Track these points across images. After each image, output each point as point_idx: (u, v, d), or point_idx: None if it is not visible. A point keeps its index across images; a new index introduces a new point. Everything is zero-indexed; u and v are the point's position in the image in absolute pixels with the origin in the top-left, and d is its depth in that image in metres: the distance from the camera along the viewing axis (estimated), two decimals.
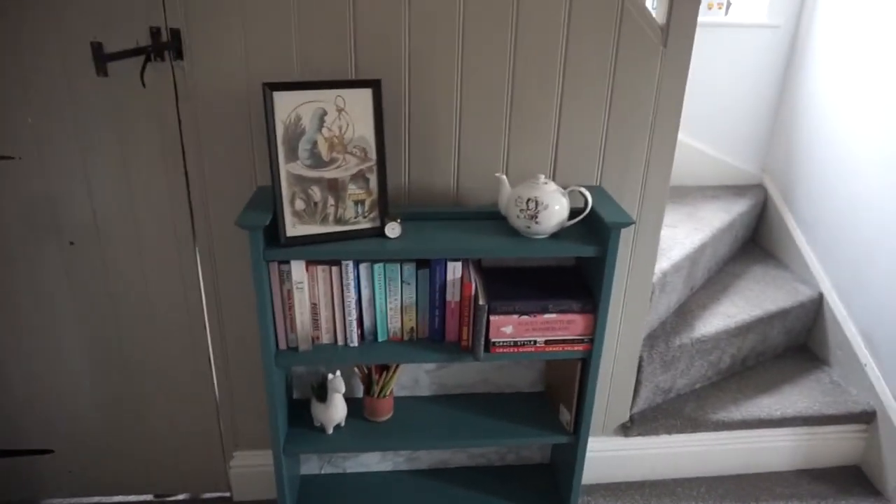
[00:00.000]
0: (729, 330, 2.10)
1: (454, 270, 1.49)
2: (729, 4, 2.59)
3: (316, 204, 1.40)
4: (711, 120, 2.66)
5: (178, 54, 1.41)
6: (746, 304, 2.23)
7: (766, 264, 2.56)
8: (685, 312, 2.16)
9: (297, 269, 1.43)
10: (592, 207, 1.47)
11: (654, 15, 1.53)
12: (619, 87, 1.56)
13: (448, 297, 1.52)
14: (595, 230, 1.51)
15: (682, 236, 2.20)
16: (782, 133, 2.63)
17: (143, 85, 1.40)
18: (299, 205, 1.39)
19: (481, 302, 1.47)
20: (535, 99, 1.55)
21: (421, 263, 1.49)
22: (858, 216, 2.16)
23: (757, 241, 2.77)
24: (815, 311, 2.36)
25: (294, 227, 1.39)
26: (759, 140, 2.72)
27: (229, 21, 1.40)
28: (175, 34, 1.40)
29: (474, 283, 1.50)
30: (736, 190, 2.70)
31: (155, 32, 1.39)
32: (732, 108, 2.66)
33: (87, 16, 1.38)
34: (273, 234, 1.39)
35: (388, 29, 1.44)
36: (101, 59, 1.37)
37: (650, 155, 1.64)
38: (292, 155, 1.36)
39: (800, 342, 2.43)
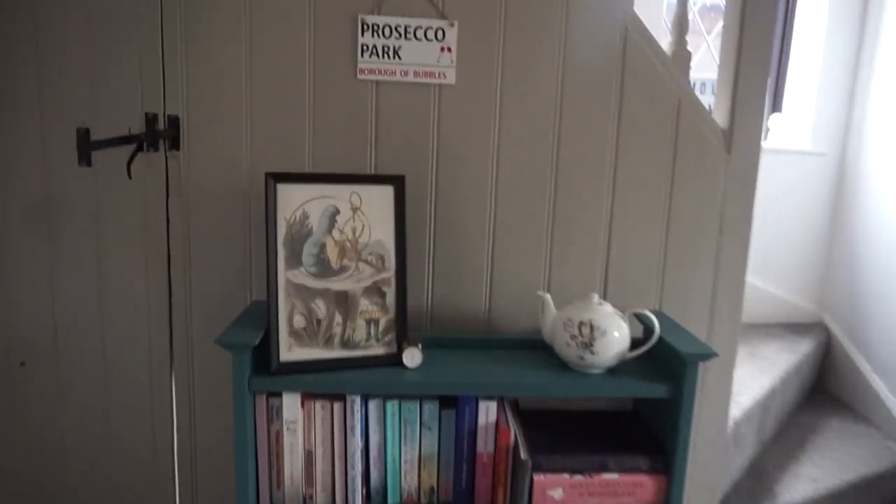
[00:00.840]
0: (819, 499, 1.69)
1: (487, 412, 1.18)
2: (767, 130, 2.48)
3: (319, 321, 1.13)
4: (761, 252, 2.43)
5: (175, 143, 1.23)
6: (833, 464, 1.84)
7: (842, 416, 2.19)
8: (760, 473, 1.78)
9: (291, 403, 1.13)
10: (661, 336, 1.19)
11: (714, 118, 1.35)
12: (679, 197, 1.34)
13: (479, 448, 1.19)
14: (663, 364, 1.21)
15: (748, 379, 1.87)
16: (841, 267, 2.38)
17: (130, 176, 1.20)
18: (299, 322, 1.12)
19: (523, 456, 1.13)
20: (582, 207, 1.33)
21: (446, 402, 1.19)
22: None
23: (824, 387, 2.42)
24: None
25: (290, 350, 1.11)
26: (815, 274, 2.47)
27: (236, 109, 1.23)
28: (173, 122, 1.22)
29: (513, 430, 1.18)
30: (794, 328, 2.41)
31: (151, 119, 1.22)
32: (783, 240, 2.44)
33: (76, 97, 1.22)
34: (264, 359, 1.10)
35: (415, 123, 1.27)
36: (87, 146, 1.19)
37: (718, 275, 1.38)
38: (295, 260, 1.11)
39: None
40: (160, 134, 1.22)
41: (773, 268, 2.47)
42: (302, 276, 1.12)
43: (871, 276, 2.21)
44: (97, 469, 1.37)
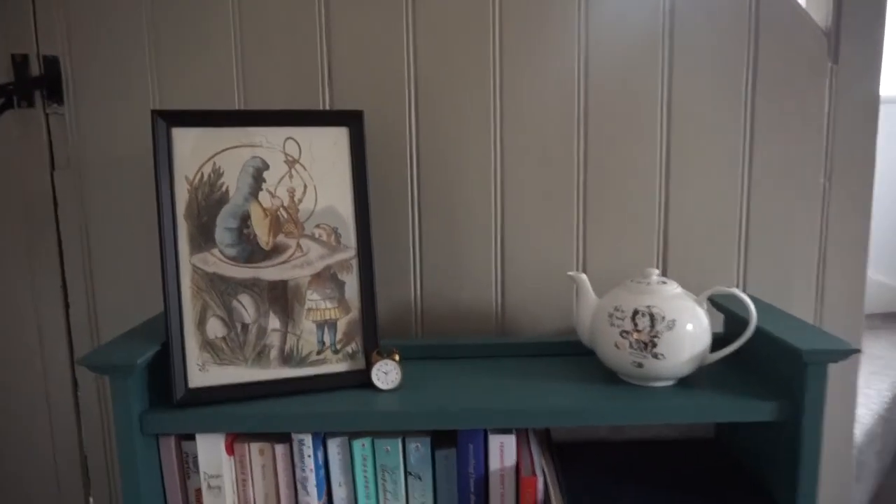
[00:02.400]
0: None
1: (503, 451, 0.79)
2: None
3: (246, 327, 0.77)
4: None
5: (55, 95, 0.90)
6: None
7: None
8: None
9: (211, 448, 0.77)
10: (759, 327, 0.78)
11: (809, 14, 0.96)
12: (763, 129, 0.95)
13: (493, 503, 0.80)
14: (763, 368, 0.81)
15: (862, 384, 1.42)
16: None
17: None
18: (216, 328, 0.76)
19: None
20: (625, 151, 0.94)
21: (441, 438, 0.81)
22: None
23: None
24: None
25: (204, 371, 0.76)
26: None
27: (136, 38, 0.90)
28: (51, 64, 0.90)
29: (542, 476, 0.79)
30: None
31: (20, 63, 0.89)
32: (885, 209, 1.97)
33: None
34: (168, 386, 0.75)
35: (382, 42, 0.91)
36: None
37: (827, 239, 0.97)
38: (204, 239, 0.76)
39: None
40: (34, 82, 0.90)
41: (871, 245, 2.00)
42: (216, 262, 0.76)
43: None
44: None
